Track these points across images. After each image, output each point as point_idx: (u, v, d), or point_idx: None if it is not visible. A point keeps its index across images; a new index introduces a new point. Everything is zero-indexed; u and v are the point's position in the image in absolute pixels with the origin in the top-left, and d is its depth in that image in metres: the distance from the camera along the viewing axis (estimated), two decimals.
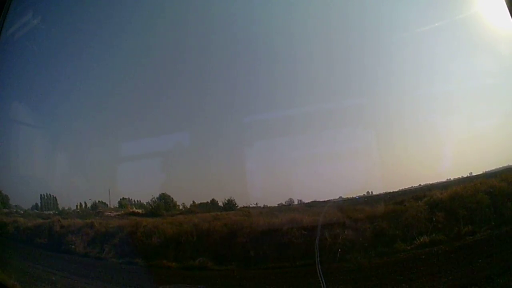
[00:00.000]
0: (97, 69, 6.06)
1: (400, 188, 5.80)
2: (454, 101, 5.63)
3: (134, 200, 7.16)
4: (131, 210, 6.94)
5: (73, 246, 5.77)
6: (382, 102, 5.75)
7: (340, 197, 5.61)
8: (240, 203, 6.13)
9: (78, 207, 7.09)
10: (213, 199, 6.29)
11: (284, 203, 5.91)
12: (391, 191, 5.70)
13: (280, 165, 5.77)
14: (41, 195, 6.93)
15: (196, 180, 6.31)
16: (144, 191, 6.63)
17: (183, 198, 6.54)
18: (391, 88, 5.87)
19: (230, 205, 6.15)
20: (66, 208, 6.94)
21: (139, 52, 5.82)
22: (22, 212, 7.01)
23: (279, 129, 5.76)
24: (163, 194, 6.46)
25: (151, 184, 6.24)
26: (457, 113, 5.72)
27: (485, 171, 5.60)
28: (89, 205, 7.15)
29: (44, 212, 6.93)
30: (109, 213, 6.97)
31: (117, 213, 7.01)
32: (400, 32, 5.87)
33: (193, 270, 4.89)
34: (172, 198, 6.50)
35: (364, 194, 5.75)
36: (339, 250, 4.69)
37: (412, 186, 5.87)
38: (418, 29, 5.79)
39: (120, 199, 7.15)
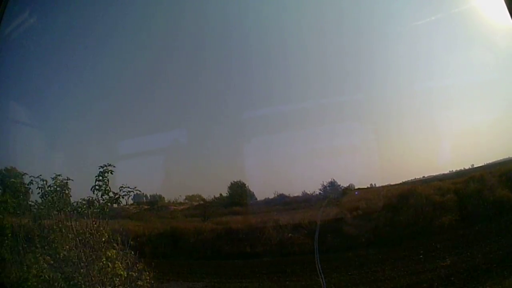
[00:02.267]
0: (94, 67, 6.06)
1: (403, 181, 5.82)
2: (452, 95, 5.63)
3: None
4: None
5: None
6: (380, 96, 5.74)
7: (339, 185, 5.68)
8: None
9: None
10: None
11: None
12: (394, 183, 5.71)
13: (278, 160, 5.77)
14: None
15: (193, 175, 6.31)
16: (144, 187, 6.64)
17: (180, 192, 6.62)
18: (389, 83, 5.87)
19: None
20: None
21: (135, 50, 5.82)
22: None
23: (276, 124, 5.75)
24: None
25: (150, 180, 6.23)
26: (456, 107, 5.71)
27: (487, 163, 5.65)
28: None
29: None
30: (174, 207, 6.71)
31: (183, 206, 6.72)
32: (397, 26, 5.86)
33: None
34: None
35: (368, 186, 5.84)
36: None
37: (415, 178, 5.91)
38: (414, 22, 5.78)
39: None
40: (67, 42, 6.01)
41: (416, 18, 5.65)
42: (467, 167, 5.82)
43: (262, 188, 5.86)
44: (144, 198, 6.96)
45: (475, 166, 5.73)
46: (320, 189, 5.73)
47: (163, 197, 6.67)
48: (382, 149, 5.73)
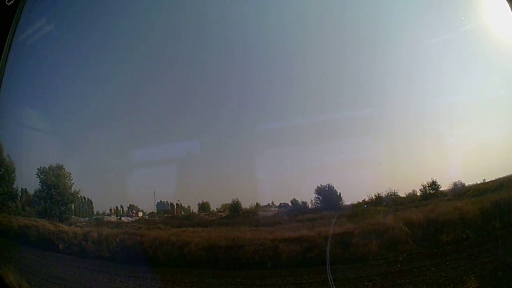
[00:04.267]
0: (111, 77, 6.14)
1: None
2: (463, 111, 5.69)
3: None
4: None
5: None
6: (392, 112, 5.81)
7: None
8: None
9: (113, 211, 6.93)
10: None
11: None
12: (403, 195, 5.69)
13: (291, 172, 5.83)
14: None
15: (206, 187, 6.38)
16: (151, 198, 6.72)
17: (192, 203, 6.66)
18: (402, 98, 5.94)
19: None
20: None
21: (154, 60, 5.90)
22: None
23: (290, 137, 5.82)
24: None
25: (161, 190, 6.30)
26: (467, 122, 5.78)
27: (497, 178, 5.68)
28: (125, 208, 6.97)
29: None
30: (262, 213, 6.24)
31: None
32: (409, 42, 5.93)
33: None
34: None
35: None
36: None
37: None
38: (428, 40, 5.86)
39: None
40: (85, 50, 6.10)
41: (429, 35, 5.73)
42: (478, 182, 5.83)
43: (274, 199, 5.94)
44: (170, 207, 7.04)
45: (486, 180, 5.73)
46: (315, 194, 5.71)
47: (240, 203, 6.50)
48: (392, 164, 5.80)
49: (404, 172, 5.99)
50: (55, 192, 6.05)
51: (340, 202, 5.61)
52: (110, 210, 6.85)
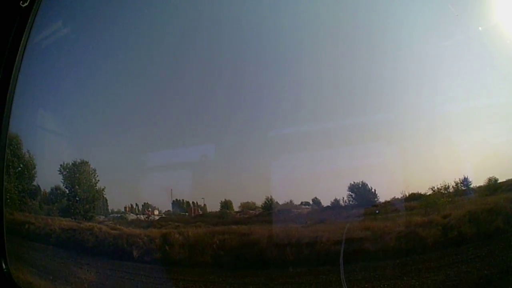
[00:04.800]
0: (125, 81, 6.20)
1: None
2: (475, 117, 5.70)
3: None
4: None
5: None
6: (405, 117, 5.83)
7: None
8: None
9: (128, 209, 6.87)
10: None
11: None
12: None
13: (303, 178, 5.91)
14: None
15: (219, 190, 6.47)
16: (162, 196, 6.83)
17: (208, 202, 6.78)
18: (411, 104, 5.96)
19: None
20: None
21: (171, 65, 5.95)
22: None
23: (302, 143, 5.88)
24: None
25: (175, 189, 6.41)
26: (479, 128, 5.79)
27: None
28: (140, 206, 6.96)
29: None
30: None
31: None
32: (421, 46, 5.93)
33: None
34: None
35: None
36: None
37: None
38: (439, 43, 5.85)
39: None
40: (100, 54, 6.15)
41: (442, 39, 5.73)
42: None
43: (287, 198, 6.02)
44: (186, 205, 7.12)
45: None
46: (349, 191, 5.84)
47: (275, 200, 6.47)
48: (403, 170, 5.85)
49: (414, 177, 6.06)
50: (80, 189, 5.90)
51: (375, 199, 5.82)
52: (125, 208, 6.81)
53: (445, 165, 5.95)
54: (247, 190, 6.59)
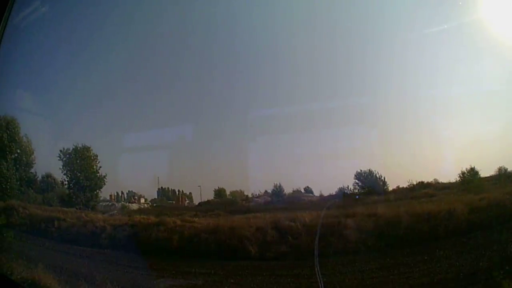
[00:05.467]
0: (104, 62, 6.10)
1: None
2: (456, 104, 5.66)
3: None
4: None
5: None
6: (384, 101, 5.79)
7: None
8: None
9: (113, 197, 6.59)
10: None
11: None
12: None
13: (281, 160, 5.81)
14: None
15: (198, 173, 6.35)
16: (145, 184, 6.70)
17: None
18: (394, 87, 5.92)
19: None
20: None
21: (145, 48, 5.87)
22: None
23: (281, 125, 5.79)
24: None
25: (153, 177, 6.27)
26: (460, 115, 5.74)
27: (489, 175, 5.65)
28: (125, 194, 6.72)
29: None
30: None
31: None
32: (406, 32, 5.89)
33: None
34: None
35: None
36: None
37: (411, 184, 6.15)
38: (423, 30, 5.79)
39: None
40: (79, 34, 6.04)
41: (425, 26, 5.68)
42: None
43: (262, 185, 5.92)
44: (172, 194, 6.96)
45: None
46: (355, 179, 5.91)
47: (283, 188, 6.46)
48: (385, 154, 5.78)
49: (396, 161, 5.99)
50: (82, 176, 5.49)
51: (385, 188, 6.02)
52: (110, 196, 6.62)
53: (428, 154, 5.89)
54: (235, 178, 6.49)
